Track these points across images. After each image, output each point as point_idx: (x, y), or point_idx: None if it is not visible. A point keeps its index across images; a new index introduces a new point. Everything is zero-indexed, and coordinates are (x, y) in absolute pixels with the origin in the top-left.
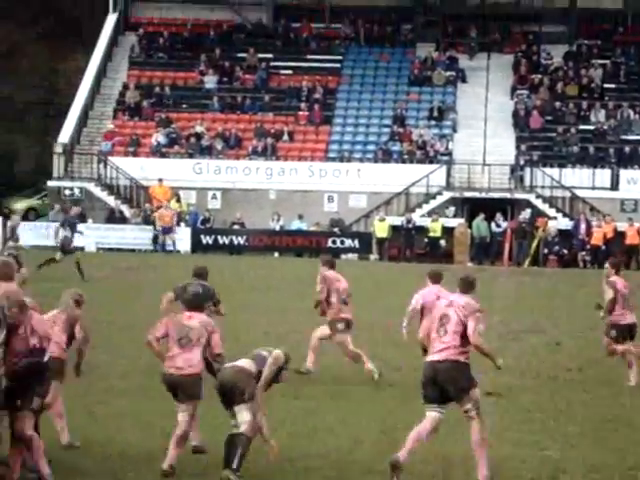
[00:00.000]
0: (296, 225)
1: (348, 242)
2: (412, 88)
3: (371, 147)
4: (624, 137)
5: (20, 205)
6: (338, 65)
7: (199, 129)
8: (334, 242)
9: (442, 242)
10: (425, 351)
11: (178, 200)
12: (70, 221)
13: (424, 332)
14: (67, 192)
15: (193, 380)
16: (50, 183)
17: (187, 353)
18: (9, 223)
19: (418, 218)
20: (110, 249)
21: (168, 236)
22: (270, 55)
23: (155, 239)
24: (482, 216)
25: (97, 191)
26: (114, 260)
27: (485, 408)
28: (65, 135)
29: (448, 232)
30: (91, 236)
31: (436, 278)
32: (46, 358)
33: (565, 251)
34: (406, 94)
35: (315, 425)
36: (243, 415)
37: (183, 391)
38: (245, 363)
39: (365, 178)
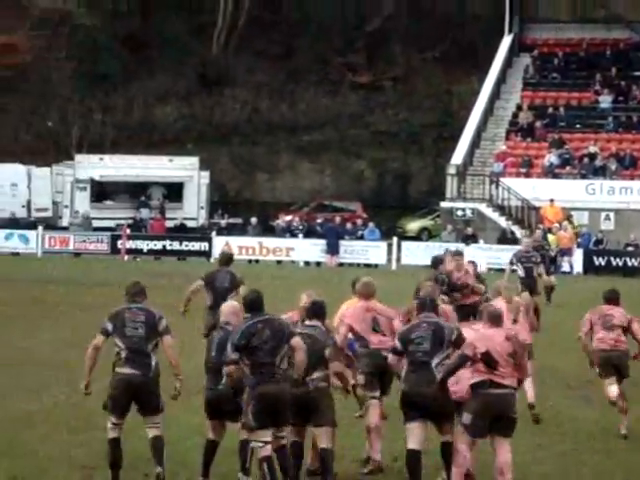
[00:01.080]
0: None
1: None
2: None
3: None
4: None
5: (413, 225)
6: None
7: (593, 149)
8: None
9: None
10: None
11: (570, 222)
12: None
13: None
14: (459, 213)
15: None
16: (443, 204)
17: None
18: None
19: None
20: (500, 269)
21: (566, 258)
22: None
23: (553, 260)
24: None
25: (488, 212)
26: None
27: None
28: (458, 156)
29: None
30: (482, 257)
31: None
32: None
33: None
34: None
35: None
36: None
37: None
38: None
39: None
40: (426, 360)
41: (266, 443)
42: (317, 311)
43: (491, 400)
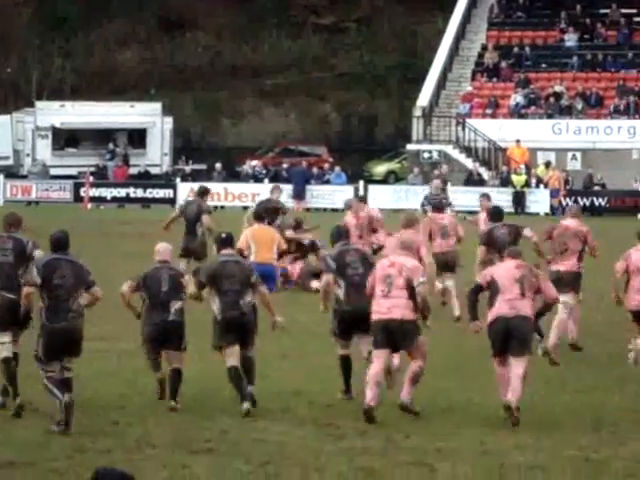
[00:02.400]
0: None
1: None
2: None
3: None
4: None
5: (380, 169)
6: None
7: (558, 89)
8: None
9: None
10: None
11: (547, 166)
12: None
13: None
14: (426, 155)
15: None
16: (409, 146)
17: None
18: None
19: None
20: (469, 211)
21: (554, 199)
22: (634, 10)
23: (518, 200)
24: None
25: (455, 153)
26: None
27: None
28: (424, 98)
29: None
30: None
31: None
32: None
33: None
34: None
35: None
36: None
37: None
38: None
39: None
40: (363, 282)
41: (53, 371)
42: (229, 241)
43: (498, 323)
